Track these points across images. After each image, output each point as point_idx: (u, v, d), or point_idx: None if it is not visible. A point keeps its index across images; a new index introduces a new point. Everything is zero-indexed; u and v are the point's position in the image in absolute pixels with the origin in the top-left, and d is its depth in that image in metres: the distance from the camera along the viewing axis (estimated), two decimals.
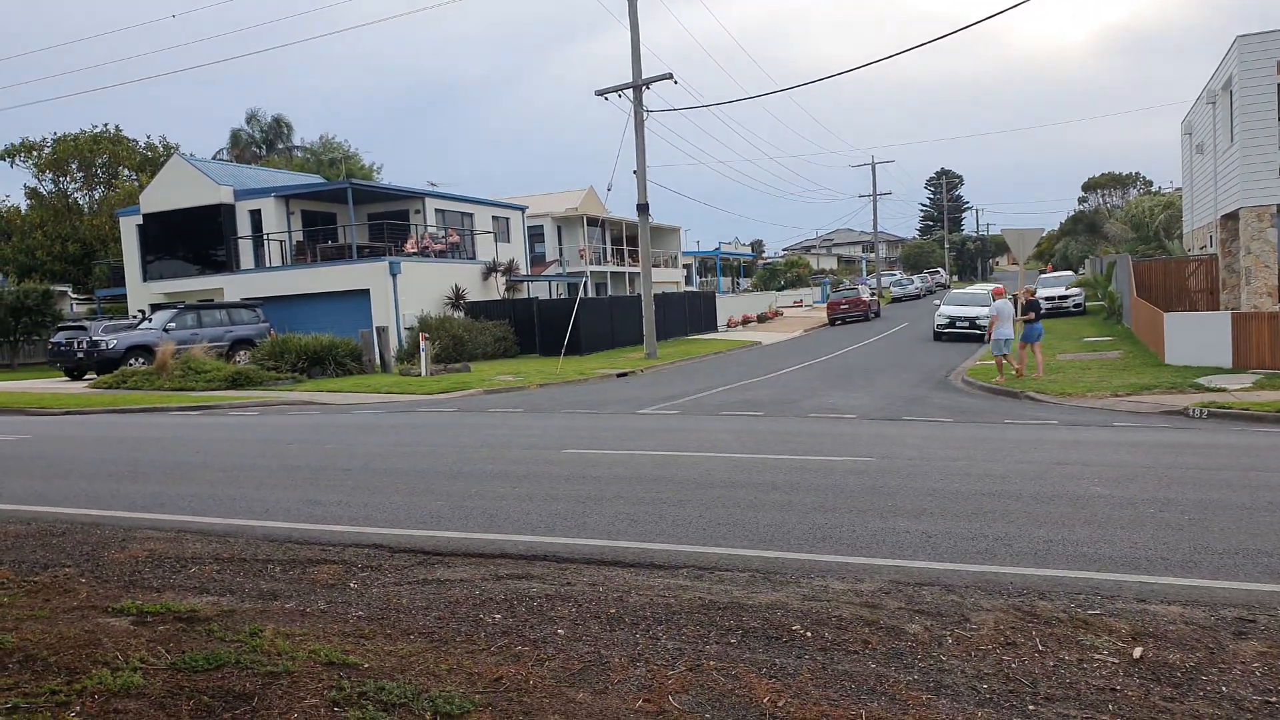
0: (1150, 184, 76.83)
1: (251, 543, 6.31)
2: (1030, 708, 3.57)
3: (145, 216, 33.37)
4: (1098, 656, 4.05)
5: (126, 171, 48.61)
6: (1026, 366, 18.68)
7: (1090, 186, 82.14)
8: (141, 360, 24.26)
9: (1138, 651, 4.07)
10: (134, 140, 49.67)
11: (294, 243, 32.20)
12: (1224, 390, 14.76)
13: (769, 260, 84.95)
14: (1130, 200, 65.24)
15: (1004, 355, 18.57)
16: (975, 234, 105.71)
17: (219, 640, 4.18)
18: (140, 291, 33.42)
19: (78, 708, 3.33)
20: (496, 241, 36.46)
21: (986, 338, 19.20)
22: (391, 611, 4.76)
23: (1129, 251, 40.17)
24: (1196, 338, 18.16)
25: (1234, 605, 4.67)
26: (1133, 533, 6.10)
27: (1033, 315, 18.69)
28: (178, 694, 3.50)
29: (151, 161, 47.07)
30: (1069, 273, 48.43)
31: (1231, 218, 21.72)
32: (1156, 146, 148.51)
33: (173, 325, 25.58)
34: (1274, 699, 3.56)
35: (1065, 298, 36.19)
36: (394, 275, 28.51)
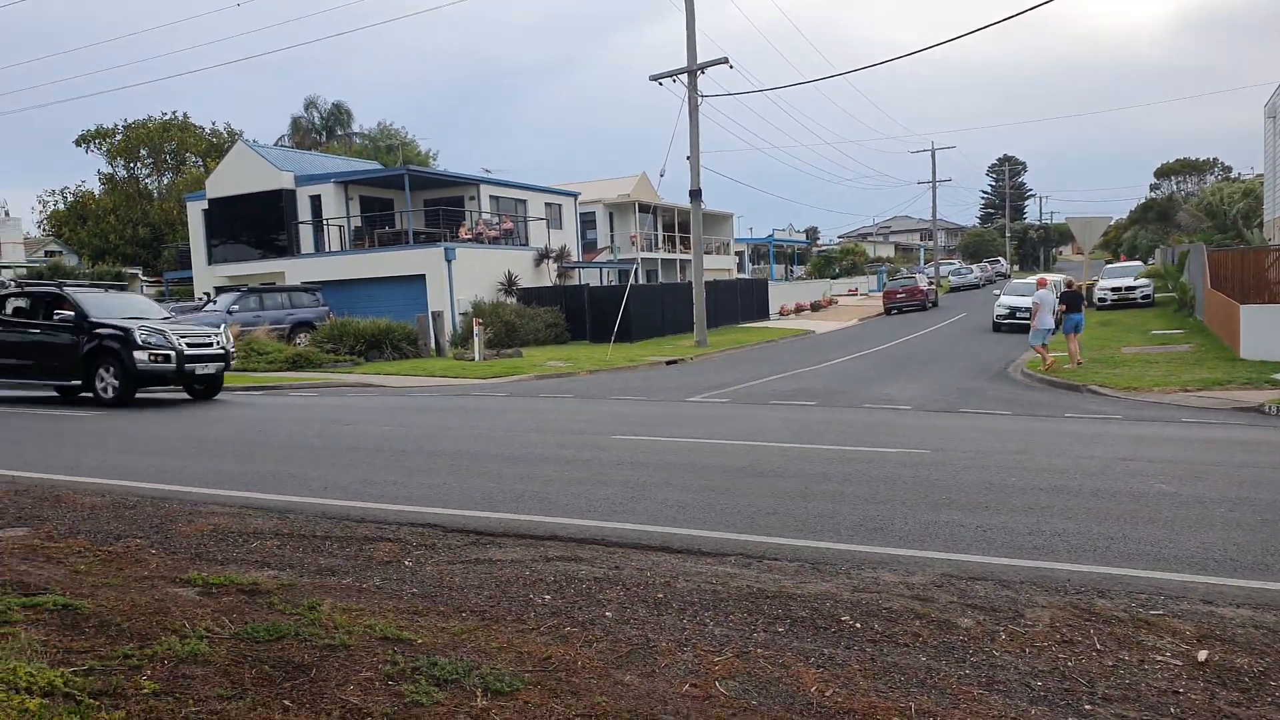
0: (1228, 170, 74.00)
1: (311, 519, 6.47)
2: (1087, 707, 3.50)
3: (210, 201, 34.27)
4: (1160, 658, 3.95)
5: (193, 158, 50.03)
6: (1078, 353, 18.69)
7: (1163, 173, 79.37)
8: None
9: (1203, 654, 3.95)
10: (200, 127, 51.09)
11: (352, 228, 32.79)
12: None
13: (824, 248, 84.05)
14: (1206, 187, 62.94)
15: (1045, 345, 18.69)
16: (1038, 222, 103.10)
17: (279, 613, 4.30)
18: (205, 274, 34.37)
19: (149, 672, 3.46)
20: (549, 228, 36.67)
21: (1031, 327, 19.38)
22: (444, 590, 4.85)
23: (1203, 240, 38.73)
24: (1276, 331, 17.49)
25: None
26: (1200, 532, 5.92)
27: (1065, 306, 18.88)
28: (241, 663, 3.61)
29: (217, 148, 48.32)
30: (1137, 263, 46.95)
31: None
32: (1236, 131, 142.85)
33: (236, 308, 26.25)
34: None
35: (1133, 289, 35.04)
36: (449, 261, 28.87)
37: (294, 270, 31.53)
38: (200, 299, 32.05)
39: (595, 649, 3.98)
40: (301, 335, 26.47)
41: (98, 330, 14.20)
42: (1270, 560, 5.32)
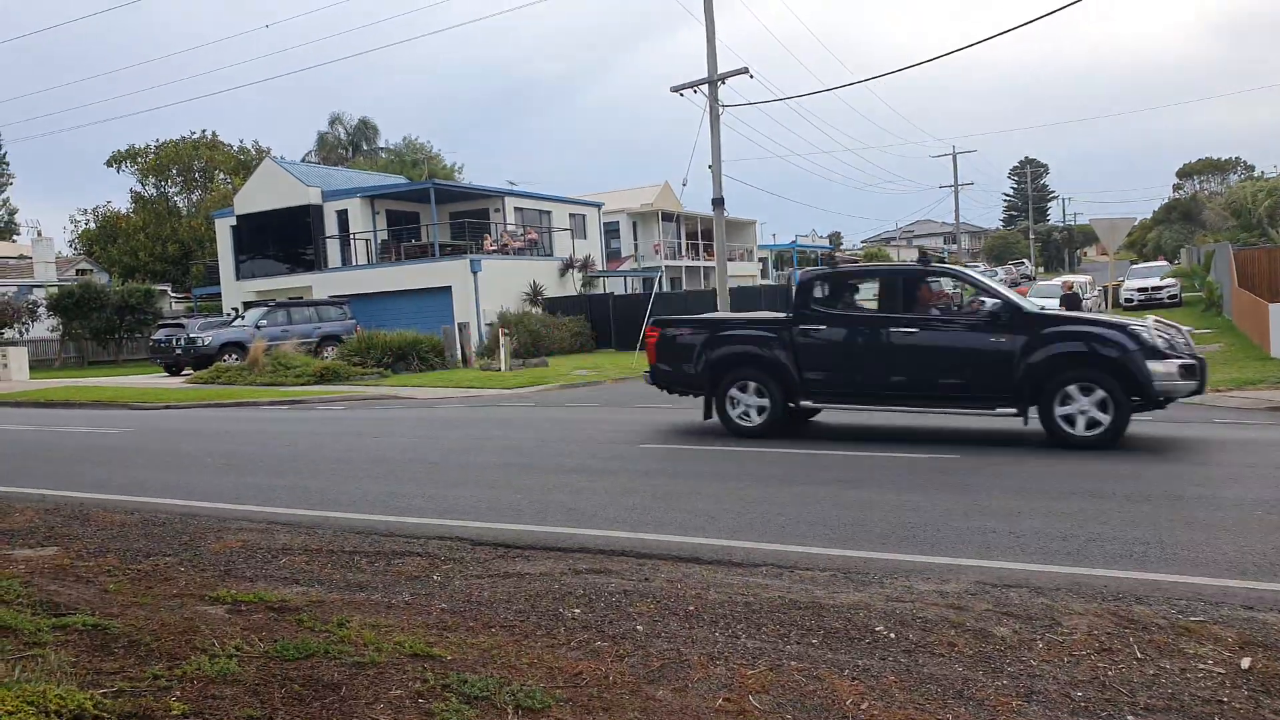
0: (1252, 169, 72.91)
1: (339, 535, 6.49)
2: (1129, 718, 3.42)
3: (238, 218, 34.72)
4: (1202, 666, 3.86)
5: (221, 175, 50.75)
6: None
7: (1186, 173, 78.44)
8: (235, 356, 25.25)
9: (1246, 662, 3.86)
10: (228, 145, 51.83)
11: (379, 242, 33.07)
12: None
13: (848, 253, 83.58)
14: (1231, 186, 62.04)
15: None
16: (1061, 224, 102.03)
17: (308, 630, 4.31)
18: (234, 290, 34.80)
19: (178, 693, 3.46)
20: (573, 238, 36.79)
21: None
22: (473, 604, 4.84)
23: (1229, 240, 38.18)
24: None
25: None
26: (1239, 536, 5.79)
27: (1065, 309, 19.06)
28: (270, 682, 3.61)
29: (245, 165, 48.99)
30: (1163, 263, 46.34)
31: None
32: (1260, 130, 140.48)
33: (264, 322, 26.53)
34: None
35: (1159, 289, 34.56)
36: (475, 273, 29.03)
37: (321, 284, 31.82)
38: (229, 314, 32.45)
39: (627, 663, 3.95)
40: (329, 348, 26.69)
41: (1059, 330, 9.39)
42: None
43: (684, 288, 44.68)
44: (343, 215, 33.03)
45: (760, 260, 58.60)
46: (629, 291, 38.85)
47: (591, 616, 4.61)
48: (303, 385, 21.88)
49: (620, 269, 42.11)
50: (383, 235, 33.25)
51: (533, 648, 4.14)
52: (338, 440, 11.96)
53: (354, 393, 20.19)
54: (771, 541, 6.07)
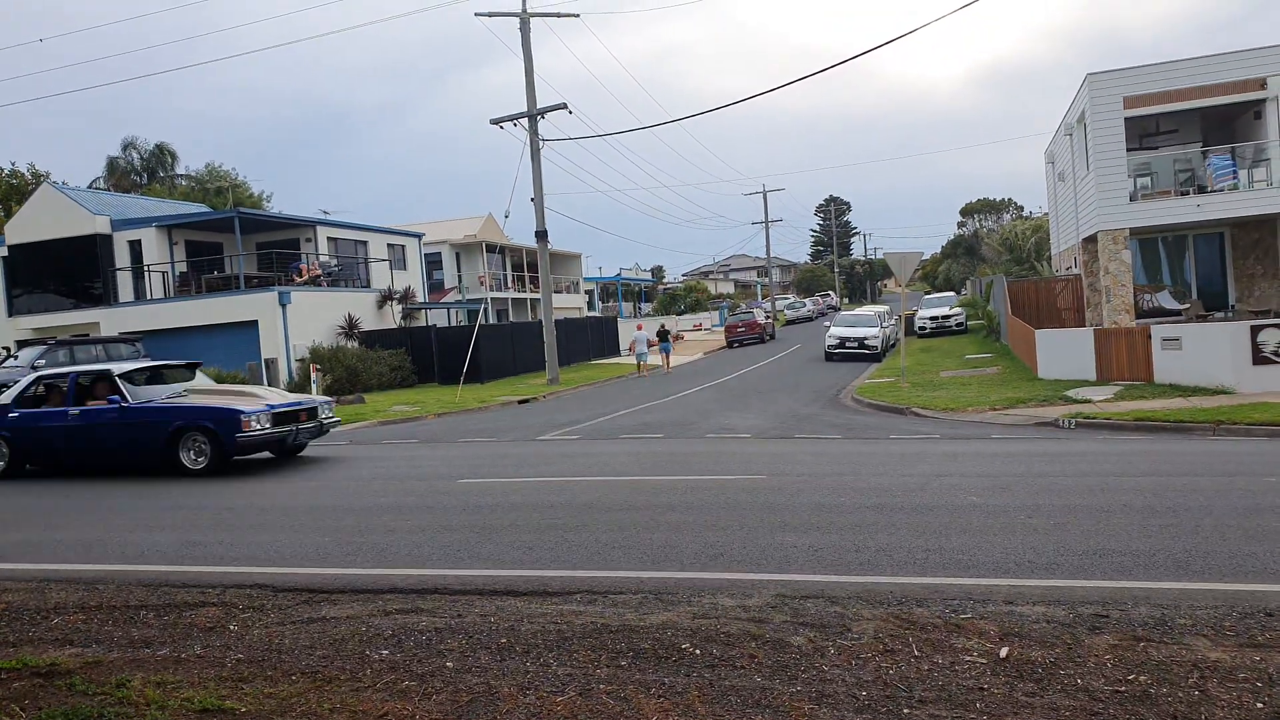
0: (1021, 209, 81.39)
1: (123, 589, 6.00)
2: (905, 711, 3.72)
3: (11, 248, 31.57)
4: (968, 658, 4.25)
5: None
6: (667, 366, 32.67)
7: (967, 211, 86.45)
8: None
9: (1004, 651, 4.28)
10: None
11: (177, 274, 30.95)
12: (1089, 401, 15.68)
13: (669, 285, 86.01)
14: (1004, 225, 68.89)
15: (643, 362, 31.71)
16: (864, 258, 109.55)
17: (81, 694, 3.97)
18: (6, 327, 31.46)
19: None
20: (392, 269, 35.83)
21: (628, 350, 33.91)
22: (273, 653, 4.62)
23: (1004, 273, 42.38)
24: (1065, 352, 19.24)
25: (1090, 602, 4.97)
26: (1004, 539, 6.42)
27: (657, 340, 32.96)
28: None
29: (19, 190, 44.55)
30: (951, 293, 50.67)
31: (1091, 240, 23.16)
32: (1025, 173, 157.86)
33: (42, 362, 24.09)
34: (1123, 689, 3.81)
35: (948, 317, 37.75)
36: (283, 305, 27.67)
37: (111, 320, 29.35)
38: None
39: (434, 701, 3.90)
40: None
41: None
42: (1060, 560, 5.85)
43: (511, 319, 44.46)
44: (136, 246, 30.69)
45: (586, 292, 59.29)
46: (453, 323, 38.21)
47: (400, 656, 4.51)
48: None
49: (444, 301, 41.37)
50: (181, 267, 31.13)
51: (336, 692, 4.00)
52: (125, 488, 11.03)
53: None
54: (588, 569, 6.15)
